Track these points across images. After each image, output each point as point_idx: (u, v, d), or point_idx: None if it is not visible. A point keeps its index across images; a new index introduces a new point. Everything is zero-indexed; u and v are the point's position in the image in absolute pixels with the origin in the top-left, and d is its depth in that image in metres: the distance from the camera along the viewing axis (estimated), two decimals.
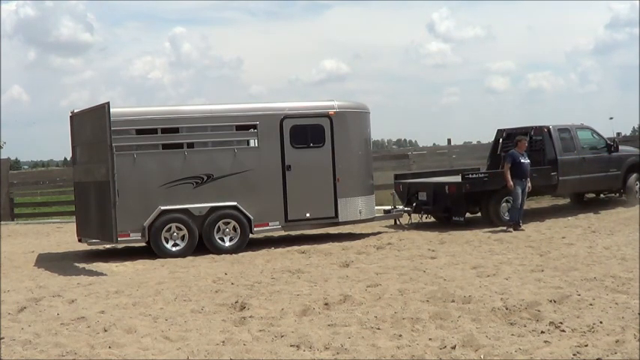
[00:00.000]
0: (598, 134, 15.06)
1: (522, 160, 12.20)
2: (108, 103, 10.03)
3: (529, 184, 12.33)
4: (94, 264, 10.47)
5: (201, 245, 11.25)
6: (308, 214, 11.90)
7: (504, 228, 12.13)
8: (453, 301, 6.77)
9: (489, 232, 12.13)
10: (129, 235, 10.96)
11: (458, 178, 13.20)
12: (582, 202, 15.60)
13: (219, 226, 11.33)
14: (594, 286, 7.18)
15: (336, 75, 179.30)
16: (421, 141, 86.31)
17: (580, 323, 5.72)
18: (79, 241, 11.47)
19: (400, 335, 5.68)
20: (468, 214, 13.33)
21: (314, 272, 8.93)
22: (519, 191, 12.19)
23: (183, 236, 11.19)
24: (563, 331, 5.57)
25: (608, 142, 15.03)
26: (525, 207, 13.22)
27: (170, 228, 11.12)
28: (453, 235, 11.89)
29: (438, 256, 9.75)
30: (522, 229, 11.98)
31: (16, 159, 57.41)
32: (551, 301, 6.51)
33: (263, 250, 11.32)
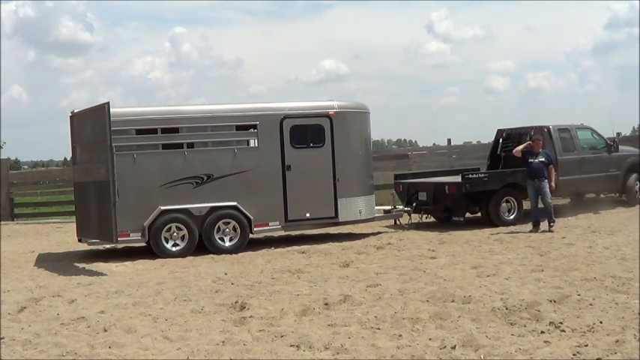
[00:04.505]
0: (598, 134, 15.06)
1: (530, 160, 12.09)
2: (108, 103, 10.03)
3: (552, 183, 12.01)
4: (94, 264, 10.47)
5: (201, 245, 11.25)
6: (308, 214, 11.90)
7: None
8: (453, 301, 6.77)
9: (489, 232, 12.13)
10: (129, 235, 10.95)
11: (458, 178, 13.20)
12: (582, 202, 15.59)
13: (219, 226, 11.32)
14: (594, 286, 7.18)
15: (336, 75, 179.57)
16: (421, 141, 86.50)
17: (580, 323, 5.72)
18: (79, 241, 11.47)
19: (400, 335, 5.68)
20: (468, 214, 13.33)
21: (314, 272, 8.93)
22: (531, 192, 12.13)
23: (183, 236, 11.18)
24: (563, 331, 5.57)
25: (608, 142, 15.03)
26: (524, 207, 13.22)
27: (170, 228, 11.11)
28: (453, 235, 11.89)
29: (438, 256, 9.75)
30: (538, 230, 11.81)
31: (16, 159, 57.52)
32: (551, 301, 6.51)
33: (263, 250, 11.32)
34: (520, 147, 12.48)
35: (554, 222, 11.91)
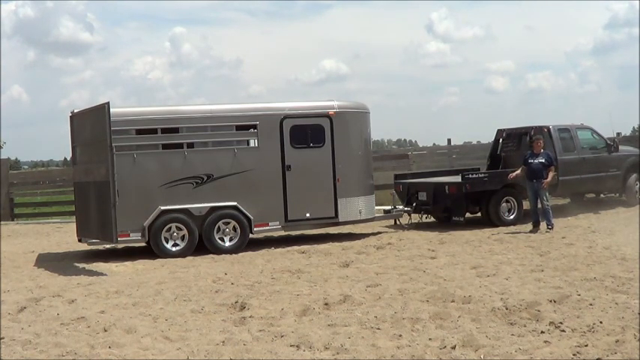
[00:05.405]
0: (598, 134, 15.05)
1: (530, 161, 12.06)
2: (108, 103, 10.03)
3: (547, 179, 11.86)
4: (94, 264, 10.47)
5: (201, 245, 11.25)
6: (308, 214, 11.90)
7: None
8: (453, 301, 6.77)
9: (489, 232, 12.13)
10: (129, 235, 10.95)
11: (458, 178, 13.20)
12: (582, 202, 15.60)
13: (219, 226, 11.32)
14: (594, 286, 7.18)
15: (336, 75, 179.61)
16: (421, 141, 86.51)
17: (580, 323, 5.72)
18: (79, 241, 11.47)
19: (400, 335, 5.68)
20: (468, 214, 13.33)
21: (314, 272, 8.93)
22: (530, 193, 12.14)
23: (183, 236, 11.18)
24: (563, 331, 5.57)
25: (608, 142, 15.03)
26: (524, 207, 13.19)
27: (170, 228, 11.11)
28: (453, 235, 11.89)
29: (438, 256, 9.75)
30: (537, 230, 11.78)
31: (16, 159, 57.52)
32: (551, 301, 6.51)
33: (263, 250, 11.32)
34: (513, 174, 12.33)
35: (552, 226, 11.84)
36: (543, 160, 11.99)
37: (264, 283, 8.27)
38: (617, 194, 15.52)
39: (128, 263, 10.48)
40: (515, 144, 14.98)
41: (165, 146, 11.41)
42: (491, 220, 12.95)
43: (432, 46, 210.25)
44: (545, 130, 13.94)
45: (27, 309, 7.34)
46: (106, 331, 6.23)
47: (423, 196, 13.56)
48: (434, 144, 23.74)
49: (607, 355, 4.94)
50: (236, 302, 7.13)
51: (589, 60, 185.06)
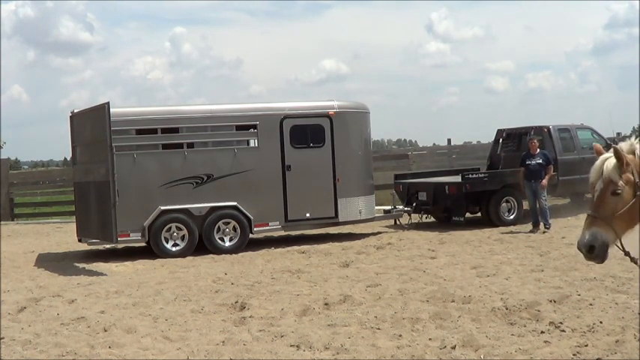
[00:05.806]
0: (598, 134, 15.05)
1: (528, 162, 12.09)
2: (108, 103, 10.04)
3: (544, 181, 11.90)
4: (94, 264, 10.47)
5: (201, 245, 11.25)
6: (308, 214, 11.89)
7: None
8: (453, 301, 6.77)
9: (489, 232, 12.12)
10: (129, 235, 10.95)
11: (458, 178, 13.20)
12: (582, 202, 15.57)
13: (219, 226, 11.32)
14: (594, 286, 7.18)
15: (336, 75, 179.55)
16: (421, 141, 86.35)
17: (580, 323, 5.72)
18: (79, 241, 11.47)
19: (400, 335, 5.68)
20: (468, 214, 13.33)
21: (314, 272, 8.93)
22: (528, 193, 12.16)
23: (183, 236, 11.18)
24: (563, 331, 5.58)
25: (608, 142, 15.01)
26: (523, 207, 13.18)
27: (170, 228, 11.11)
28: (453, 235, 11.89)
29: (438, 256, 9.75)
30: (537, 230, 11.80)
31: (16, 159, 57.42)
32: (551, 301, 6.51)
33: (263, 250, 11.32)
34: (519, 179, 12.39)
35: (549, 226, 11.87)
36: (541, 161, 12.03)
37: (264, 283, 8.27)
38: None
39: (128, 263, 10.47)
40: (515, 144, 14.97)
41: (165, 146, 11.41)
42: (491, 220, 12.95)
43: (432, 46, 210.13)
44: (545, 130, 13.94)
45: (27, 309, 7.34)
46: (106, 331, 6.23)
47: (423, 196, 13.56)
48: (434, 144, 23.81)
49: (607, 355, 4.94)
50: (236, 302, 7.13)
51: (589, 60, 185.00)
